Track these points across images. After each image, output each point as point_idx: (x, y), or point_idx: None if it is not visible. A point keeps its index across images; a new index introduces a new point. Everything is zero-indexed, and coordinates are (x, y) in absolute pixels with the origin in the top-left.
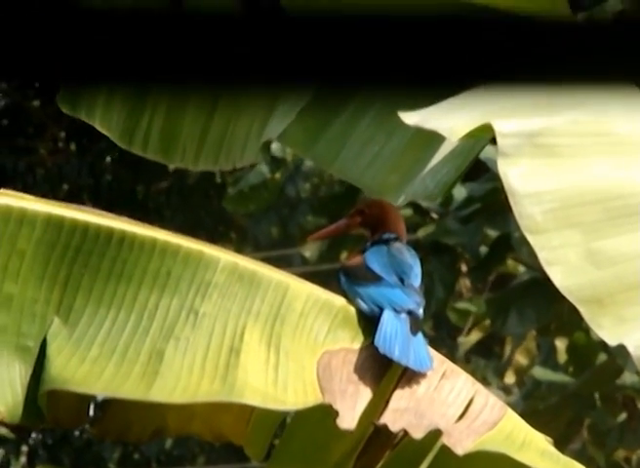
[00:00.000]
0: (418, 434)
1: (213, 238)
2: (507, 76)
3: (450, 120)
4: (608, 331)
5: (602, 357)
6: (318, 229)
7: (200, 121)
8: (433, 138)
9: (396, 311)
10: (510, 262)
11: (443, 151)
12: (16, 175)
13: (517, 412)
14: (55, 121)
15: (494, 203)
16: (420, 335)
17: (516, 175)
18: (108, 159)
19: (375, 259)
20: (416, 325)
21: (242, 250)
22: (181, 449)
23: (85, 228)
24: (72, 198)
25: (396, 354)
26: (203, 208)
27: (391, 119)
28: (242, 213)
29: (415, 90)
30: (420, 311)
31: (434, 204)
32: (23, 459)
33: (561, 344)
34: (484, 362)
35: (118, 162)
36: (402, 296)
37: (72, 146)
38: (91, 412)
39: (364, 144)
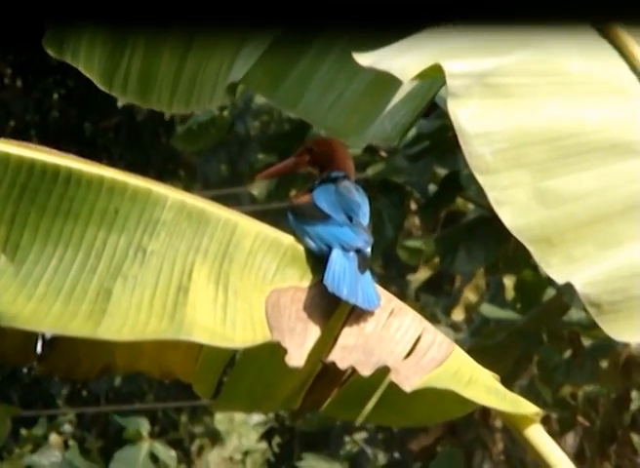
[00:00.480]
0: (366, 371)
1: (162, 175)
2: (462, 17)
3: (402, 61)
4: (556, 269)
5: (549, 294)
6: (267, 167)
7: (174, 64)
8: (393, 81)
9: (344, 249)
10: (460, 201)
11: (401, 93)
12: None
13: (465, 349)
14: (0, 57)
15: (443, 141)
16: (367, 274)
17: (466, 115)
18: (56, 95)
19: (323, 198)
20: (364, 263)
21: (191, 187)
22: (130, 387)
23: (31, 166)
24: (19, 134)
25: (344, 293)
26: (152, 145)
27: (354, 62)
28: (191, 150)
29: (376, 31)
30: (369, 249)
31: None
32: None
33: (509, 282)
34: (433, 299)
35: (65, 98)
36: (350, 235)
37: (18, 82)
38: (38, 349)
39: (326, 87)
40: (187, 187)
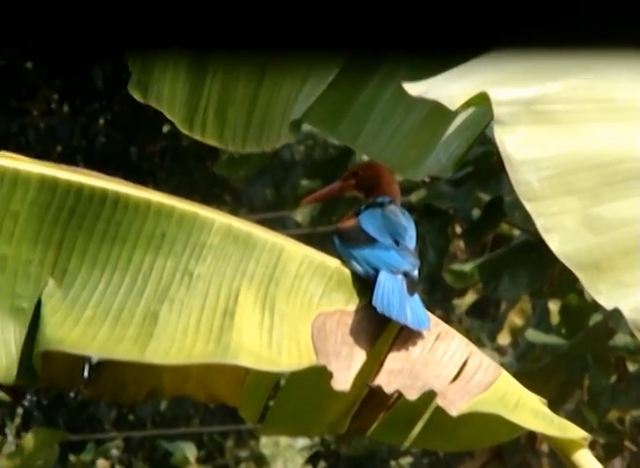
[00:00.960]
0: (412, 395)
1: (207, 200)
2: (511, 44)
3: (450, 89)
4: (605, 295)
5: (595, 319)
6: (311, 192)
7: (245, 105)
8: (448, 113)
9: (392, 272)
10: (506, 226)
11: (455, 124)
12: (8, 137)
13: (511, 374)
14: (47, 82)
15: (486, 166)
16: (416, 296)
17: (513, 142)
18: (102, 121)
19: (369, 222)
20: (412, 286)
21: (236, 212)
22: (176, 411)
23: (79, 189)
24: (65, 160)
25: (394, 312)
26: (197, 169)
27: (410, 94)
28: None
29: (432, 62)
30: (416, 272)
31: None
32: (18, 421)
33: (554, 306)
34: (478, 323)
35: (112, 124)
36: (397, 258)
37: (65, 108)
38: (85, 373)
39: (384, 120)
40: (233, 212)
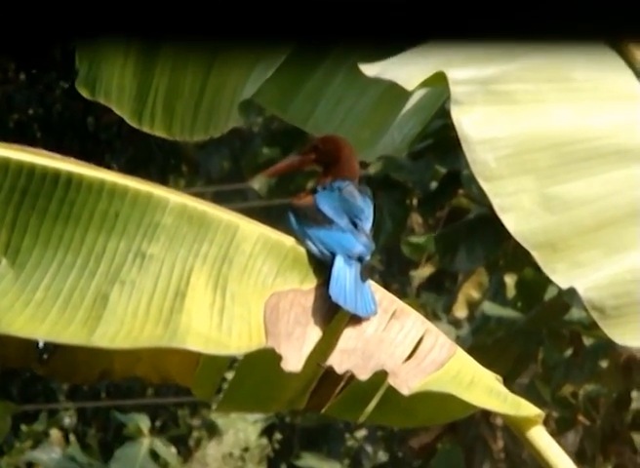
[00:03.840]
0: (363, 375)
1: (164, 171)
2: (468, 28)
3: (406, 70)
4: (561, 275)
5: (551, 293)
6: (270, 163)
7: (194, 96)
8: (402, 94)
9: (347, 256)
10: (463, 199)
11: (409, 105)
12: None
13: (466, 347)
14: (4, 51)
15: (444, 139)
16: (368, 282)
17: (470, 122)
18: (59, 90)
19: (325, 202)
20: (365, 271)
21: (194, 183)
22: (131, 382)
23: (31, 170)
24: (22, 128)
25: (345, 301)
26: (154, 140)
27: (364, 76)
28: (193, 144)
29: (383, 45)
30: (369, 256)
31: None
32: None
33: (510, 280)
34: (434, 295)
35: (69, 92)
36: (353, 241)
37: (22, 76)
38: (40, 347)
39: (337, 101)
40: (190, 183)
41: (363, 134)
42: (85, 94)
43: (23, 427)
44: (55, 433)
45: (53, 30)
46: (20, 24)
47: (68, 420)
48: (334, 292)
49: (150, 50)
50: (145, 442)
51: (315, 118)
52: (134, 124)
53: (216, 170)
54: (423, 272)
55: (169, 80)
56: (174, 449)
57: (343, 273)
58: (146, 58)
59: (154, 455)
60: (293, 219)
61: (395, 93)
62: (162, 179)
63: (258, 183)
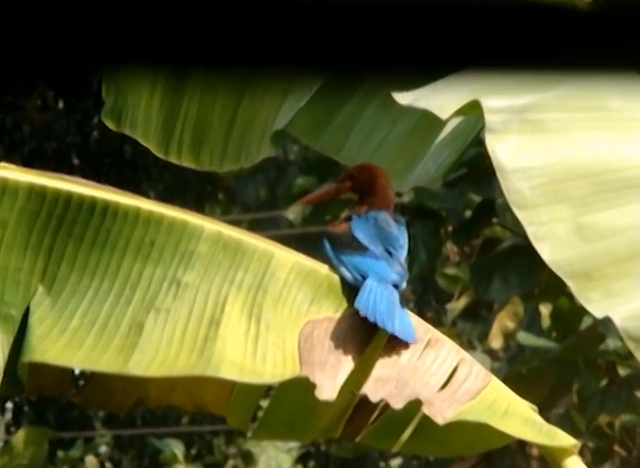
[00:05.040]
0: (398, 404)
1: (200, 199)
2: (503, 59)
3: (440, 98)
4: (596, 304)
5: (586, 322)
6: (307, 191)
7: (223, 127)
8: (436, 123)
9: (380, 280)
10: (498, 229)
11: (444, 135)
12: (3, 133)
13: (501, 377)
14: (43, 78)
15: (478, 168)
16: (405, 309)
17: (504, 150)
18: (96, 117)
19: (361, 229)
20: (402, 298)
21: (229, 211)
22: (167, 409)
23: (68, 197)
24: (60, 156)
25: (380, 319)
26: (191, 168)
27: (396, 105)
28: (229, 174)
29: (419, 75)
30: (404, 284)
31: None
32: (8, 416)
33: (545, 310)
34: (470, 325)
35: None
36: (387, 268)
37: (60, 104)
38: (76, 374)
39: (370, 131)
40: (226, 211)
41: (397, 164)
42: (111, 125)
43: (60, 453)
44: (90, 460)
45: (89, 58)
46: (58, 52)
47: (104, 447)
48: (362, 305)
49: (177, 79)
50: None
51: (348, 148)
52: (160, 154)
53: (252, 198)
54: (459, 303)
55: (197, 110)
56: None
57: (375, 292)
58: (174, 88)
59: None
60: (328, 246)
61: (429, 122)
62: (198, 207)
63: (292, 213)
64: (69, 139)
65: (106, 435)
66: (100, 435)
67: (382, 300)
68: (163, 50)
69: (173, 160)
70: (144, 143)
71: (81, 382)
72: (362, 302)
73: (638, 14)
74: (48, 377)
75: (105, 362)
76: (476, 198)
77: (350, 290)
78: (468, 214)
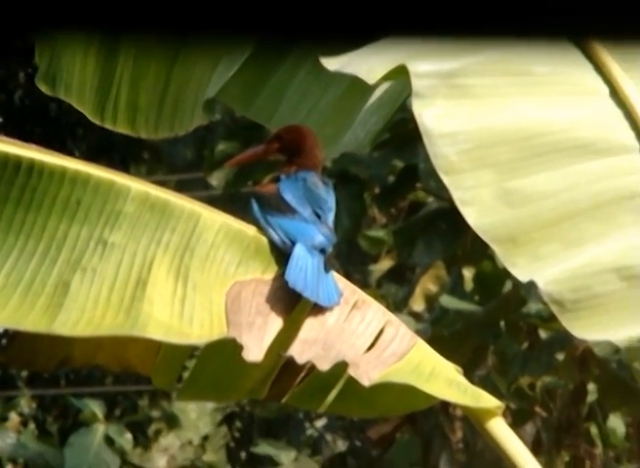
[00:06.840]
0: (324, 366)
1: (125, 159)
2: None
3: (368, 64)
4: (521, 269)
5: (508, 286)
6: (228, 157)
7: (158, 91)
8: (366, 89)
9: (309, 247)
10: (422, 193)
11: (372, 101)
12: None
13: (425, 339)
14: None
15: (402, 134)
16: (331, 272)
17: (431, 115)
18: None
19: (289, 190)
20: (328, 262)
21: (155, 171)
22: (91, 369)
23: None
24: None
25: (306, 290)
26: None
27: (327, 72)
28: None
29: (348, 40)
30: (331, 248)
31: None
32: None
33: (468, 273)
34: (395, 287)
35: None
36: (315, 232)
37: None
38: None
39: (301, 98)
40: (152, 171)
41: (327, 130)
42: (45, 89)
43: None
44: (13, 419)
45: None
46: None
47: (27, 408)
48: (291, 277)
49: (111, 42)
50: (101, 428)
51: (279, 115)
52: (96, 121)
53: (178, 158)
54: (383, 265)
55: (132, 74)
56: (129, 436)
57: (304, 261)
58: (109, 52)
59: (110, 441)
60: (256, 207)
61: (358, 88)
62: (124, 167)
63: (215, 179)
64: None
65: (29, 394)
66: (23, 394)
67: (309, 270)
68: (96, 13)
69: (108, 126)
70: (80, 109)
71: (4, 341)
72: (291, 274)
73: None
74: None
75: (31, 321)
76: (399, 163)
77: (278, 252)
78: (392, 179)
